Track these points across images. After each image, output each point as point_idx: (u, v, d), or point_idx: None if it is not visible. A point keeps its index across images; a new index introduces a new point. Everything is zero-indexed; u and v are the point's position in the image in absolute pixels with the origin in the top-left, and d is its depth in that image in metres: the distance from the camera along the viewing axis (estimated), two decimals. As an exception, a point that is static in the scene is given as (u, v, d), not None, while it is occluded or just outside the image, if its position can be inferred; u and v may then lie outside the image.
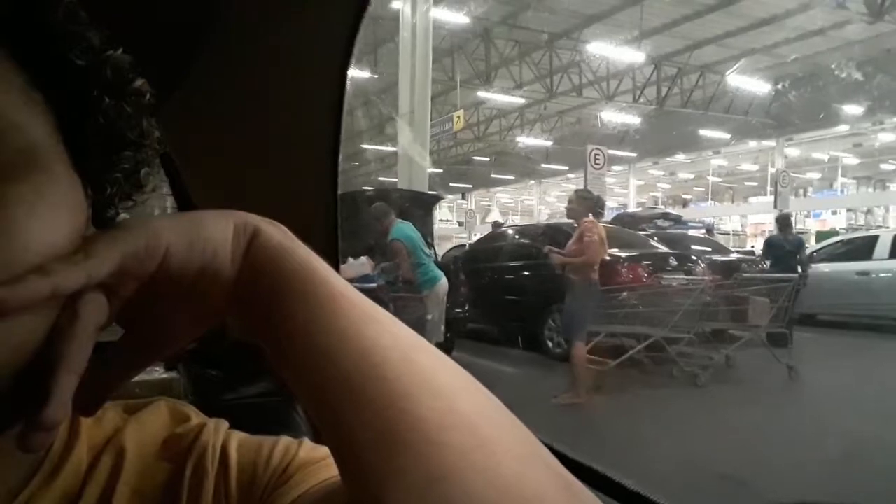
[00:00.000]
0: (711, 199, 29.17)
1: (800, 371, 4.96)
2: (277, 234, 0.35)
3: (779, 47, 17.37)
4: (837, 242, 9.93)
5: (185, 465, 0.41)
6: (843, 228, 20.99)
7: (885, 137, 23.29)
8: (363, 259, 5.08)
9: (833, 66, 18.61)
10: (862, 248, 8.90)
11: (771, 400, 4.57)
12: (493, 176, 29.85)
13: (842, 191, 25.98)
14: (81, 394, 0.31)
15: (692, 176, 30.82)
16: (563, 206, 34.14)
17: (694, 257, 6.43)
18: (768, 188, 26.11)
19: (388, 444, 0.27)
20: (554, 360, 6.08)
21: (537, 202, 30.73)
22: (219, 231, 0.34)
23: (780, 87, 19.02)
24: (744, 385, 5.08)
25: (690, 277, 5.77)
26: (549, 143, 24.26)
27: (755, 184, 30.37)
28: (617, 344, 5.16)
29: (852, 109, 19.57)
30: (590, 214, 4.81)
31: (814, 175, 28.94)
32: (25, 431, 0.28)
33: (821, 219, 25.52)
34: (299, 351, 0.31)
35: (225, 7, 0.74)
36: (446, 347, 4.95)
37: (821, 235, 17.81)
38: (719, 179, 30.15)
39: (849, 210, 24.84)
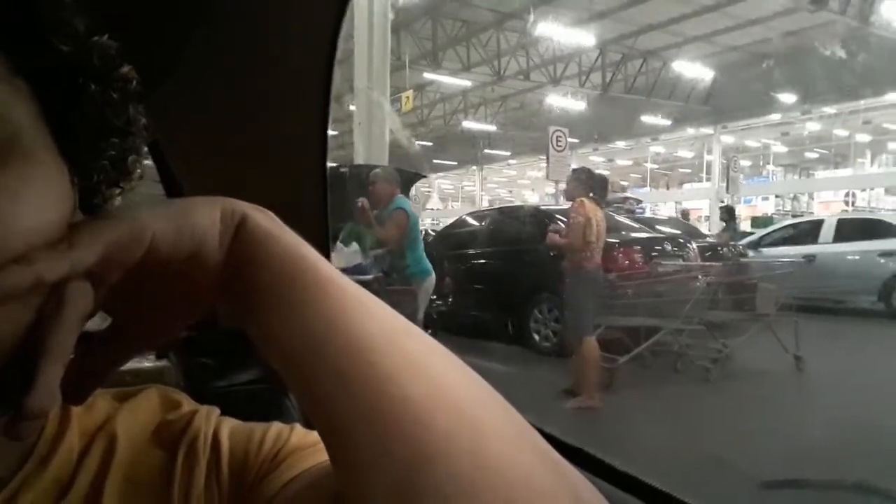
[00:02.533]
0: (648, 186, 29.64)
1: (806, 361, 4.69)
2: (265, 220, 0.34)
3: (720, 35, 17.58)
4: (786, 226, 10.14)
5: (177, 452, 0.41)
6: (773, 214, 21.75)
7: (811, 126, 24.23)
8: (355, 246, 4.40)
9: (768, 55, 19.10)
10: (807, 232, 9.08)
11: (796, 397, 4.26)
12: (435, 161, 29.28)
13: (770, 177, 26.95)
14: (70, 382, 0.31)
15: (630, 162, 31.27)
16: (503, 192, 34.14)
17: (686, 242, 6.08)
18: (704, 175, 26.79)
19: (374, 426, 0.28)
20: (541, 355, 5.61)
21: (479, 188, 30.38)
22: (206, 218, 0.33)
23: (719, 75, 19.32)
24: (757, 379, 4.75)
25: (692, 263, 5.41)
26: (492, 128, 23.87)
27: (689, 171, 31.17)
28: (615, 338, 4.72)
29: (785, 98, 20.14)
30: (590, 195, 4.33)
31: (745, 162, 29.92)
32: (11, 420, 0.29)
33: (751, 205, 26.37)
34: (286, 336, 0.31)
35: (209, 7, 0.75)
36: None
37: (756, 221, 18.29)
38: (656, 166, 30.72)
39: (777, 196, 25.77)
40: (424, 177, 7.36)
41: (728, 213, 9.62)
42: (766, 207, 24.81)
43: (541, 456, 0.28)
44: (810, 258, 7.99)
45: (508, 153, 27.07)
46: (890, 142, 26.39)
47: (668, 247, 5.79)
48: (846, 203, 23.60)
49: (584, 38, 16.26)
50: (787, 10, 15.22)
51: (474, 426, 0.28)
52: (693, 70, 18.87)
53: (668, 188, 30.62)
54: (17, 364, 0.30)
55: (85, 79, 0.36)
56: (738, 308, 4.81)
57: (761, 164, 28.67)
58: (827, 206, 23.91)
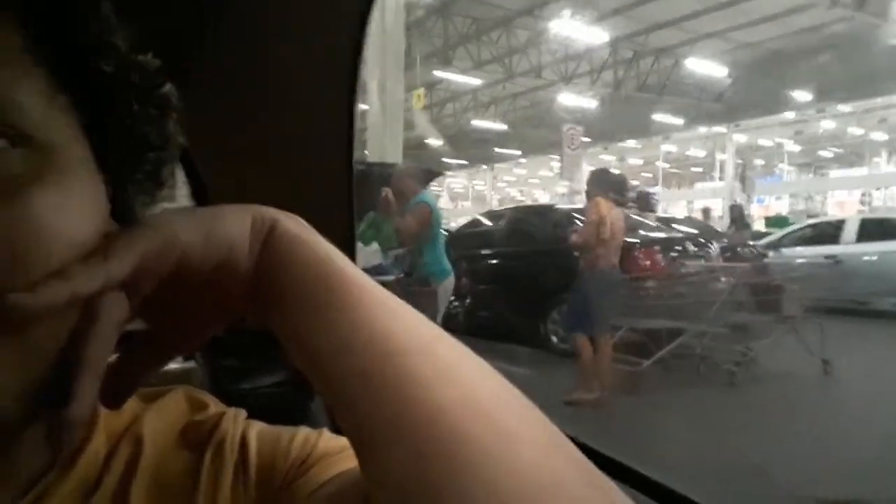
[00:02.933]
0: (660, 185, 29.40)
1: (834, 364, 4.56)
2: (295, 226, 0.35)
3: (734, 32, 17.38)
4: (807, 226, 9.98)
5: (204, 454, 0.42)
6: (787, 214, 21.52)
7: (826, 125, 23.96)
8: (375, 245, 4.30)
9: (783, 52, 18.87)
10: (829, 232, 8.92)
11: (826, 403, 4.14)
12: (444, 160, 29.19)
13: (783, 177, 26.68)
14: (107, 387, 0.32)
15: (641, 162, 31.05)
16: (513, 191, 34.01)
17: (707, 242, 5.94)
18: (716, 174, 26.57)
19: (408, 435, 0.28)
20: (560, 357, 5.50)
21: (490, 188, 30.25)
22: (236, 226, 0.34)
23: (732, 72, 19.11)
24: (783, 384, 4.62)
25: (715, 264, 5.29)
26: (503, 127, 23.75)
27: (701, 170, 30.93)
28: (637, 340, 4.60)
29: (799, 96, 19.90)
30: (609, 195, 4.30)
31: (758, 161, 29.66)
32: (51, 430, 0.30)
33: (764, 204, 26.13)
34: (315, 342, 0.31)
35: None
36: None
37: (770, 221, 18.09)
38: (667, 165, 30.49)
39: (790, 196, 25.52)
40: (441, 174, 7.27)
41: (738, 213, 9.47)
42: (780, 207, 24.56)
43: (573, 464, 0.28)
44: (834, 259, 7.85)
45: (519, 152, 26.94)
46: (906, 140, 26.09)
47: (690, 246, 5.67)
48: (862, 203, 23.33)
49: (595, 35, 16.09)
50: (802, 6, 15.00)
51: (507, 434, 0.28)
52: (706, 67, 18.66)
53: (679, 187, 30.40)
54: (56, 375, 0.31)
55: (125, 96, 0.36)
56: (762, 310, 4.68)
57: (774, 163, 28.38)
58: (842, 206, 23.64)
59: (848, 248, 8.34)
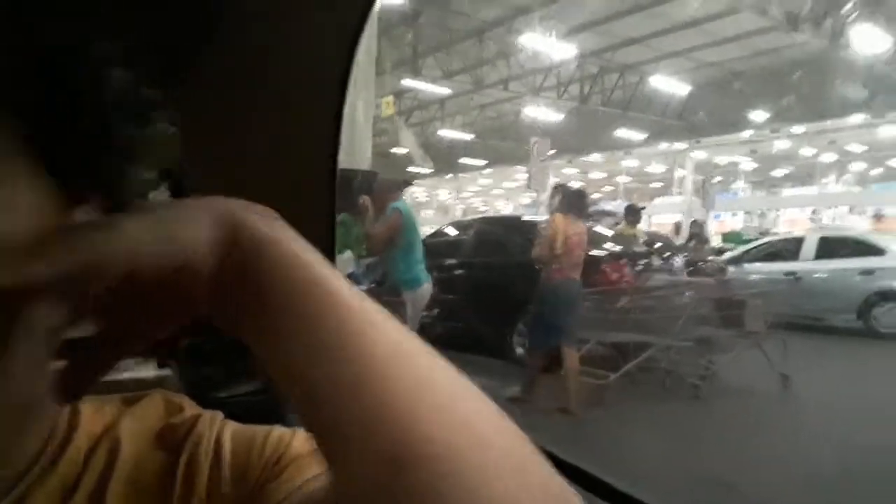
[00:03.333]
0: (622, 199, 29.92)
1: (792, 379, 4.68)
2: (264, 225, 0.33)
3: (696, 51, 17.86)
4: (768, 243, 10.23)
5: (180, 456, 0.42)
6: (742, 230, 22.15)
7: (780, 145, 24.79)
8: (348, 254, 4.23)
9: (742, 73, 19.47)
10: (789, 249, 9.15)
11: (786, 417, 4.23)
12: (408, 169, 29.12)
13: (739, 194, 27.44)
14: (60, 385, 0.32)
15: (604, 175, 31.56)
16: (477, 202, 34.10)
17: (671, 256, 6.05)
18: (675, 189, 27.18)
19: (383, 441, 0.27)
20: (524, 369, 5.50)
21: (454, 198, 30.31)
22: (194, 225, 0.32)
23: (694, 90, 19.62)
24: (747, 398, 4.71)
25: (682, 279, 5.38)
26: (469, 137, 23.85)
27: (661, 185, 31.60)
28: (602, 354, 4.64)
29: (755, 116, 20.55)
30: (570, 210, 4.48)
31: (715, 178, 30.46)
32: None
33: (720, 220, 26.80)
34: (288, 349, 0.30)
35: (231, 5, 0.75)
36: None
37: (727, 237, 18.58)
38: (629, 179, 31.06)
39: (746, 213, 26.26)
40: (411, 184, 7.24)
41: (698, 228, 9.69)
42: (735, 223, 25.25)
43: (544, 476, 0.28)
44: (794, 276, 8.08)
45: (484, 163, 27.08)
46: (852, 162, 27.18)
47: (655, 261, 5.76)
48: (812, 221, 24.18)
49: (563, 49, 16.32)
50: (761, 29, 15.51)
51: (483, 442, 0.28)
52: (669, 85, 19.12)
53: (639, 201, 30.98)
54: None
55: (84, 103, 0.35)
56: (725, 325, 4.78)
57: (730, 180, 29.19)
58: (793, 224, 24.46)
59: (807, 265, 8.59)
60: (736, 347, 4.73)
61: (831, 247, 8.66)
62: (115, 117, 0.37)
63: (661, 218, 26.28)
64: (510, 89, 19.04)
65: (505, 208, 31.45)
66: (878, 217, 19.82)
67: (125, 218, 0.32)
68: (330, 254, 1.11)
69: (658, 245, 7.14)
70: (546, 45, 15.67)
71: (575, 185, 6.04)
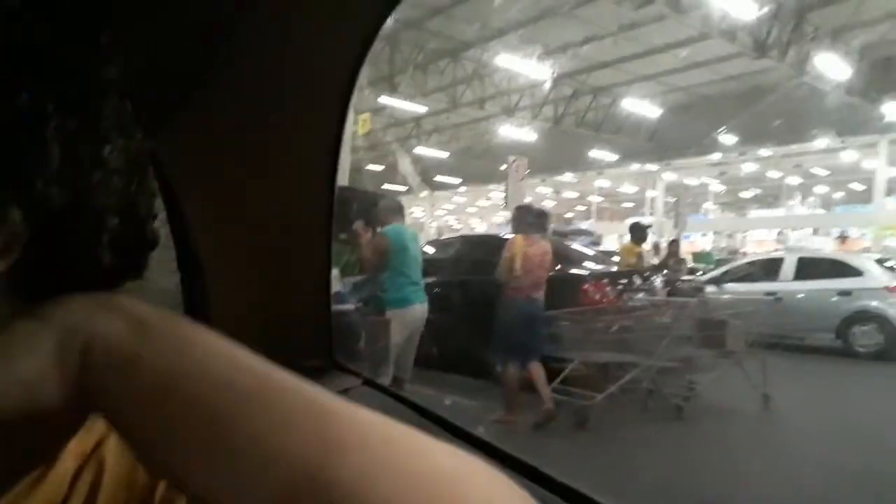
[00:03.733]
0: (594, 218, 30.29)
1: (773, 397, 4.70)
2: (119, 335, 0.29)
3: (668, 76, 18.28)
4: (748, 263, 10.25)
5: (159, 481, 0.41)
6: (713, 250, 22.55)
7: (747, 168, 25.40)
8: (335, 272, 4.14)
9: (711, 98, 19.96)
10: (768, 270, 9.22)
11: (769, 438, 4.23)
12: (384, 186, 29.05)
13: (708, 215, 27.97)
14: None
15: (576, 195, 31.91)
16: (452, 220, 34.06)
17: (650, 276, 6.07)
18: (647, 210, 27.59)
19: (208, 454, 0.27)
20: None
21: (428, 215, 30.31)
22: (32, 361, 0.28)
23: (665, 113, 20.05)
24: (729, 418, 4.72)
25: (663, 298, 5.39)
26: (444, 155, 23.93)
27: (632, 205, 32.07)
28: (585, 374, 4.60)
29: (724, 139, 21.04)
30: (531, 231, 4.60)
31: (686, 199, 31.00)
32: None
33: (689, 240, 27.24)
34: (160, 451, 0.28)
35: (236, 21, 0.74)
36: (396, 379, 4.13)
37: (697, 256, 18.89)
38: (601, 199, 31.47)
39: (715, 233, 26.77)
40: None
41: (675, 248, 9.76)
42: (704, 243, 25.71)
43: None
44: (775, 296, 8.16)
45: (458, 181, 27.18)
46: (816, 185, 27.97)
47: (636, 280, 5.78)
48: (778, 242, 24.74)
49: (538, 71, 16.52)
50: (730, 55, 15.93)
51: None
52: (641, 108, 19.49)
53: (611, 221, 31.36)
54: None
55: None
56: (707, 345, 4.79)
57: (699, 201, 29.76)
58: (760, 244, 25.01)
59: (786, 285, 8.67)
60: (718, 367, 4.74)
61: (810, 267, 8.75)
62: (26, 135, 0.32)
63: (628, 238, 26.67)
64: (485, 108, 19.19)
65: (479, 226, 31.55)
66: (842, 238, 20.38)
67: None
68: (326, 273, 1.10)
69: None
70: (521, 65, 15.85)
71: (536, 205, 6.18)
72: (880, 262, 8.69)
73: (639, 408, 4.65)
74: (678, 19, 13.65)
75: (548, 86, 18.47)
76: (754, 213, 29.20)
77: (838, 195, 29.16)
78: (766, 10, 13.59)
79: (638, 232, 6.89)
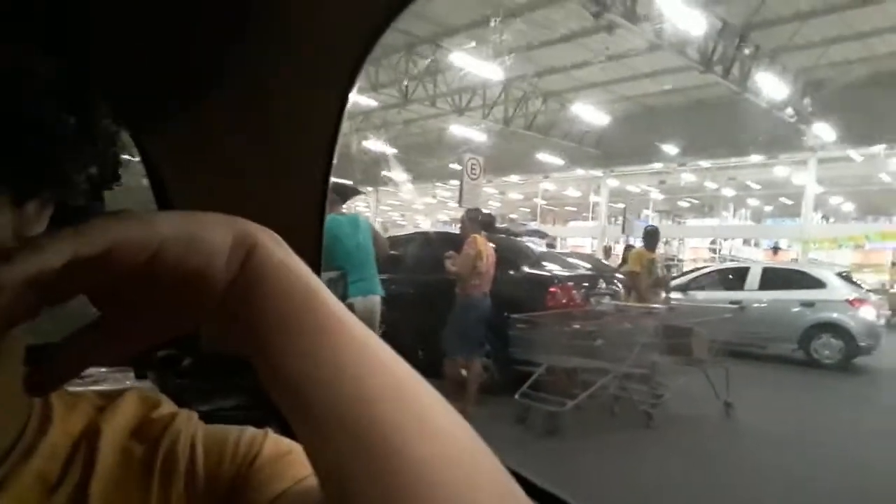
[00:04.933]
0: (538, 220, 30.61)
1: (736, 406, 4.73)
2: (278, 250, 0.34)
3: (616, 84, 18.61)
4: (714, 271, 10.33)
5: (157, 452, 0.43)
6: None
7: (686, 178, 26.24)
8: None
9: (655, 108, 20.49)
10: (734, 279, 9.30)
11: (731, 446, 4.24)
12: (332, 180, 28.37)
13: (648, 221, 28.72)
14: (37, 373, 0.32)
15: (521, 197, 32.17)
16: (396, 216, 33.77)
17: (613, 280, 6.02)
18: (589, 214, 28.13)
19: (378, 486, 0.29)
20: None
21: (373, 212, 29.88)
22: (218, 236, 0.33)
23: (611, 121, 20.42)
24: (694, 424, 4.72)
25: (631, 304, 5.35)
26: (393, 151, 23.61)
27: (574, 209, 32.64)
28: (550, 379, 4.50)
29: (666, 149, 21.63)
30: (482, 232, 4.88)
31: (621, 205, 31.77)
32: None
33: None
34: (292, 372, 0.31)
35: (233, 20, 0.75)
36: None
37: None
38: (545, 202, 31.84)
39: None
40: (360, 192, 6.85)
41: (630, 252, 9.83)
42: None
43: (494, 478, 0.30)
44: (740, 304, 8.26)
45: (406, 178, 26.89)
46: (749, 197, 29.21)
47: (603, 284, 5.73)
48: (711, 250, 25.68)
49: (490, 71, 16.48)
50: (677, 67, 16.34)
51: (471, 487, 0.29)
52: (588, 114, 19.77)
53: (553, 224, 31.81)
54: None
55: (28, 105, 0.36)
56: (673, 352, 4.77)
57: (639, 208, 30.56)
58: (695, 251, 25.91)
59: (751, 294, 8.75)
60: (683, 375, 4.74)
61: (775, 278, 8.86)
62: (55, 115, 0.37)
63: (574, 241, 27.14)
64: (436, 106, 19.02)
65: (423, 223, 31.38)
66: (774, 250, 21.31)
67: (156, 213, 0.32)
68: (317, 271, 1.07)
69: (587, 266, 7.10)
70: (474, 65, 15.76)
71: (483, 209, 6.38)
72: (841, 275, 8.85)
73: (604, 414, 4.58)
74: (630, 30, 13.90)
75: (499, 87, 18.48)
76: (691, 221, 30.22)
77: (768, 208, 30.56)
78: (713, 26, 14.00)
79: (650, 238, 6.48)
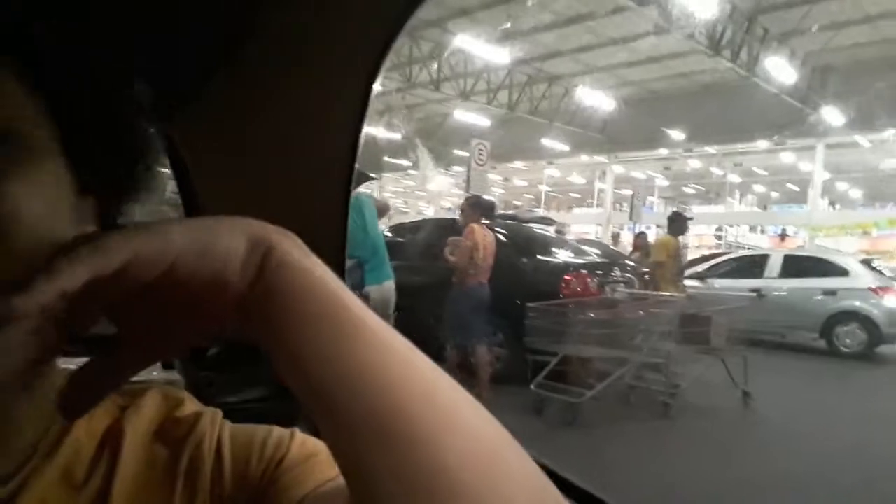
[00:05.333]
0: (542, 207, 30.45)
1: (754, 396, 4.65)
2: (295, 250, 0.34)
3: (621, 68, 18.39)
4: (732, 259, 10.09)
5: (182, 453, 0.43)
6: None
7: (692, 164, 26.04)
8: None
9: (661, 93, 20.26)
10: (754, 266, 9.09)
11: (750, 437, 4.16)
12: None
13: (654, 208, 28.57)
14: (72, 394, 0.33)
15: (525, 183, 31.99)
16: (398, 203, 33.56)
17: (628, 268, 5.91)
18: (594, 201, 27.98)
19: (405, 490, 0.28)
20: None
21: (377, 196, 29.73)
22: (232, 242, 0.33)
23: (617, 106, 20.20)
24: (712, 415, 4.64)
25: (653, 293, 5.24)
26: (396, 136, 23.41)
27: (579, 196, 32.46)
28: (566, 369, 4.41)
29: (673, 135, 21.42)
30: (482, 219, 4.84)
31: (629, 192, 31.58)
32: None
33: (635, 232, 27.70)
34: (315, 376, 0.31)
35: (253, 19, 0.75)
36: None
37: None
38: (549, 189, 31.66)
39: (658, 226, 27.36)
40: (373, 177, 6.74)
41: (643, 240, 9.72)
42: (649, 236, 26.22)
43: (526, 476, 0.30)
44: (759, 293, 8.11)
45: (410, 163, 26.72)
46: (755, 183, 29.02)
47: (618, 273, 5.63)
48: (717, 237, 25.53)
49: (495, 54, 16.26)
50: (685, 52, 16.13)
51: (502, 490, 0.29)
52: (593, 99, 19.55)
53: (558, 210, 31.65)
54: None
55: (104, 102, 0.38)
56: (690, 341, 4.67)
57: (645, 195, 30.39)
58: (700, 239, 25.76)
59: (771, 283, 8.56)
60: (701, 364, 4.65)
61: (796, 265, 8.67)
62: (135, 120, 0.39)
63: (579, 228, 26.99)
64: (441, 91, 18.81)
65: (427, 211, 31.22)
66: (782, 236, 21.16)
67: (170, 223, 0.32)
68: (341, 272, 1.06)
69: (597, 254, 6.99)
70: (479, 48, 15.56)
71: (485, 195, 6.54)
72: (865, 262, 8.64)
73: (622, 404, 4.50)
74: (638, 12, 13.68)
75: (503, 71, 18.27)
76: (696, 208, 30.05)
77: (774, 195, 30.36)
78: (722, 9, 13.78)
79: (678, 222, 6.16)
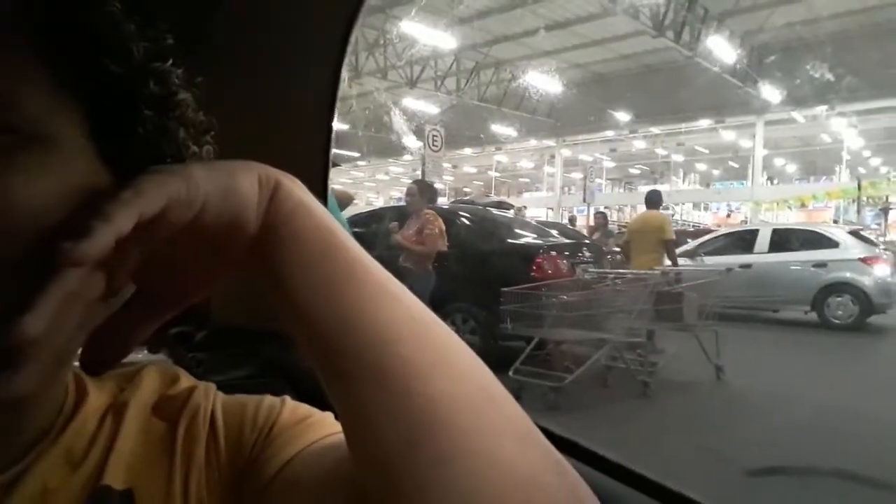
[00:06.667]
0: (493, 193, 30.51)
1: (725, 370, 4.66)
2: (297, 189, 0.35)
3: (567, 52, 18.47)
4: (722, 235, 10.08)
5: (178, 427, 0.43)
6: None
7: (637, 145, 26.53)
8: None
9: (606, 75, 20.49)
10: (744, 242, 9.05)
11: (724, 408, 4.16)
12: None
13: (601, 190, 29.02)
14: (96, 350, 0.34)
15: (475, 170, 31.99)
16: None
17: (599, 249, 5.86)
18: (544, 185, 28.20)
19: (401, 425, 0.29)
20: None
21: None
22: (247, 182, 0.33)
23: (564, 90, 20.33)
24: (690, 390, 4.63)
25: (626, 272, 5.19)
26: (344, 127, 22.94)
27: (528, 180, 32.70)
28: (541, 354, 4.31)
29: (618, 117, 21.74)
30: (428, 205, 4.88)
31: (577, 175, 32.02)
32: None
33: (584, 214, 28.11)
34: (315, 316, 0.32)
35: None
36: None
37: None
38: (498, 174, 31.77)
39: (605, 207, 27.80)
40: (337, 165, 6.46)
41: (602, 220, 9.76)
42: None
43: (545, 455, 0.30)
44: (750, 267, 8.08)
45: (358, 154, 26.30)
46: (698, 162, 29.82)
47: (586, 253, 5.57)
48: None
49: (441, 39, 16.07)
50: (630, 33, 16.30)
51: (490, 426, 0.29)
52: (540, 83, 19.61)
53: (508, 196, 31.79)
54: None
55: (139, 103, 0.36)
56: (664, 319, 4.65)
57: (592, 177, 30.82)
58: (648, 218, 26.25)
59: (761, 257, 8.49)
60: (678, 341, 4.64)
61: (785, 239, 8.62)
62: (172, 123, 0.38)
63: (531, 212, 27.15)
64: (388, 79, 18.51)
65: (376, 201, 30.88)
66: (728, 214, 21.80)
67: (193, 167, 0.32)
68: None
69: (560, 236, 6.93)
70: (424, 34, 15.34)
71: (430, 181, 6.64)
72: (853, 233, 8.63)
73: (598, 385, 4.44)
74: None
75: (450, 58, 18.10)
76: (642, 188, 30.66)
77: (716, 172, 31.29)
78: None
79: (654, 199, 6.08)
